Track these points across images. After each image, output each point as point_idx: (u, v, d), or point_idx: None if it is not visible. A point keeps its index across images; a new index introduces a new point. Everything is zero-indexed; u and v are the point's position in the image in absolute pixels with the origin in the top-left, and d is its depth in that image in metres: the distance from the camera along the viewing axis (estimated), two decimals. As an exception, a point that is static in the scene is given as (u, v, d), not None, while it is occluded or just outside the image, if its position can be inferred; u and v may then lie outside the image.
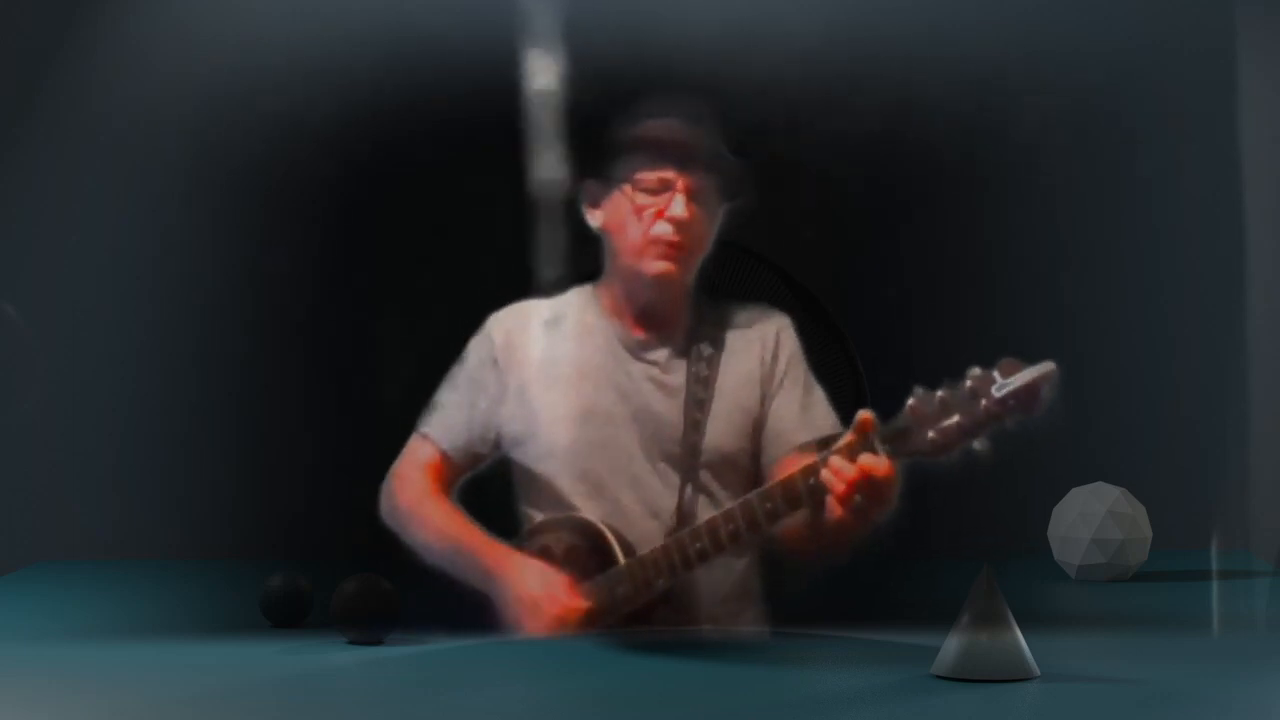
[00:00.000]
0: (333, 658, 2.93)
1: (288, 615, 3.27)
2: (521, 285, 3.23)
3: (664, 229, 3.00)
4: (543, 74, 3.48)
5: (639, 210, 3.01)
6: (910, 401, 2.70)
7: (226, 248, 4.40)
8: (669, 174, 3.00)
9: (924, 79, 4.39)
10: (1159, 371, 4.49)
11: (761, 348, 3.11)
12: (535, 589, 3.00)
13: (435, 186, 4.36)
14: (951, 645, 2.62)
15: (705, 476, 3.04)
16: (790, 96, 4.35)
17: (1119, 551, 3.88)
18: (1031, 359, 2.66)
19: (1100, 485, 3.96)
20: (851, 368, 3.39)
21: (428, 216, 4.40)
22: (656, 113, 3.06)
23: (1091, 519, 3.89)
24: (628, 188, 3.03)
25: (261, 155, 4.33)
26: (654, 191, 3.00)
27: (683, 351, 3.09)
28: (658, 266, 3.02)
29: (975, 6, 4.30)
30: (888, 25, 4.34)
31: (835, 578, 3.07)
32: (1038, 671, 2.62)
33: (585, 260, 3.17)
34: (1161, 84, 4.44)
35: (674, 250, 3.01)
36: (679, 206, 2.99)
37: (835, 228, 4.44)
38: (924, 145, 4.45)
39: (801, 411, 3.07)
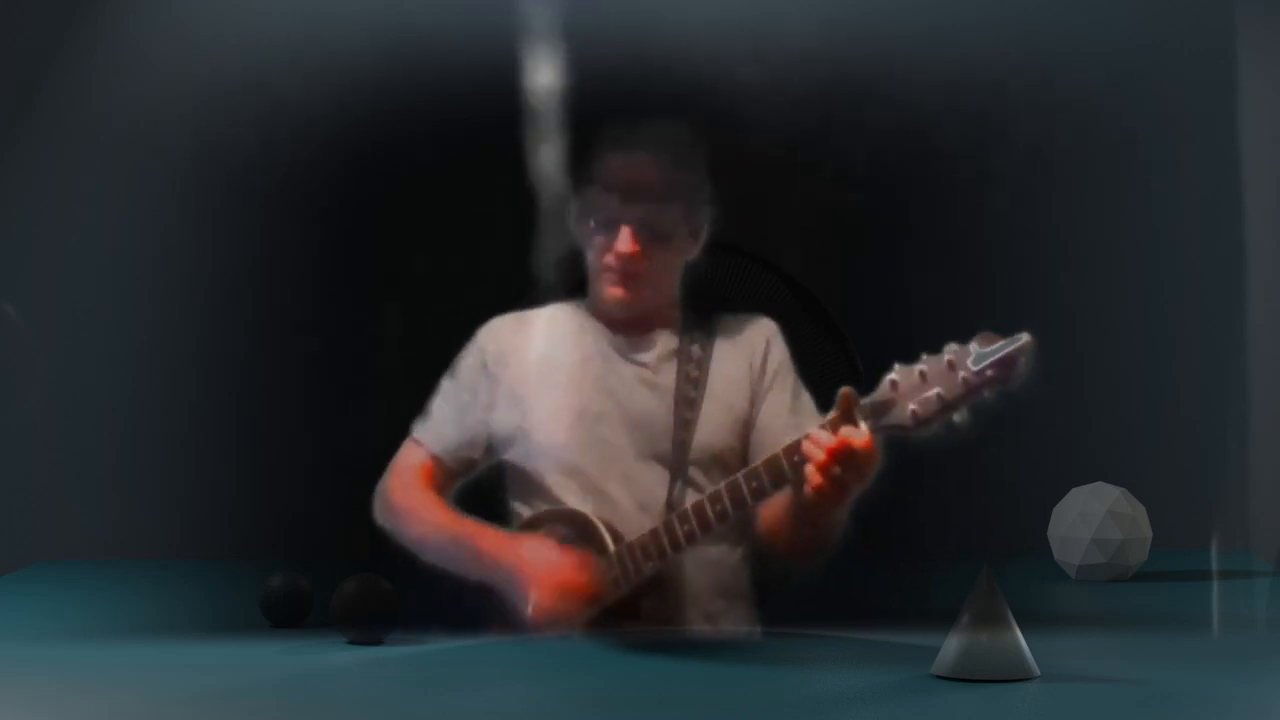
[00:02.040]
0: (333, 658, 2.93)
1: (288, 615, 3.27)
2: (521, 285, 3.24)
3: (611, 261, 3.06)
4: (543, 74, 3.48)
5: (593, 238, 3.08)
6: (890, 376, 2.73)
7: (226, 248, 4.40)
8: (614, 210, 3.05)
9: (924, 79, 4.39)
10: (1159, 371, 4.49)
11: (751, 352, 3.14)
12: (546, 558, 3.00)
13: (435, 186, 4.36)
14: (951, 645, 2.62)
15: (695, 474, 3.06)
16: (790, 96, 4.35)
17: (1119, 551, 3.88)
18: (1032, 351, 2.66)
19: (1100, 485, 3.96)
20: (851, 368, 3.39)
21: (428, 216, 4.40)
22: (619, 144, 3.09)
23: (1091, 519, 3.89)
24: (582, 213, 3.09)
25: (261, 155, 4.34)
26: (606, 224, 3.05)
27: (672, 354, 3.12)
28: (610, 293, 3.09)
29: (975, 7, 4.30)
30: (887, 25, 4.34)
31: (835, 578, 3.07)
32: (1038, 671, 2.62)
33: (583, 263, 3.18)
34: (1161, 84, 4.44)
35: (625, 279, 3.07)
36: (624, 243, 3.04)
37: (835, 228, 4.44)
38: (924, 145, 4.45)
39: (790, 415, 3.09)
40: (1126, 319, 4.49)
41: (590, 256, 3.11)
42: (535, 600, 2.99)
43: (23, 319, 4.31)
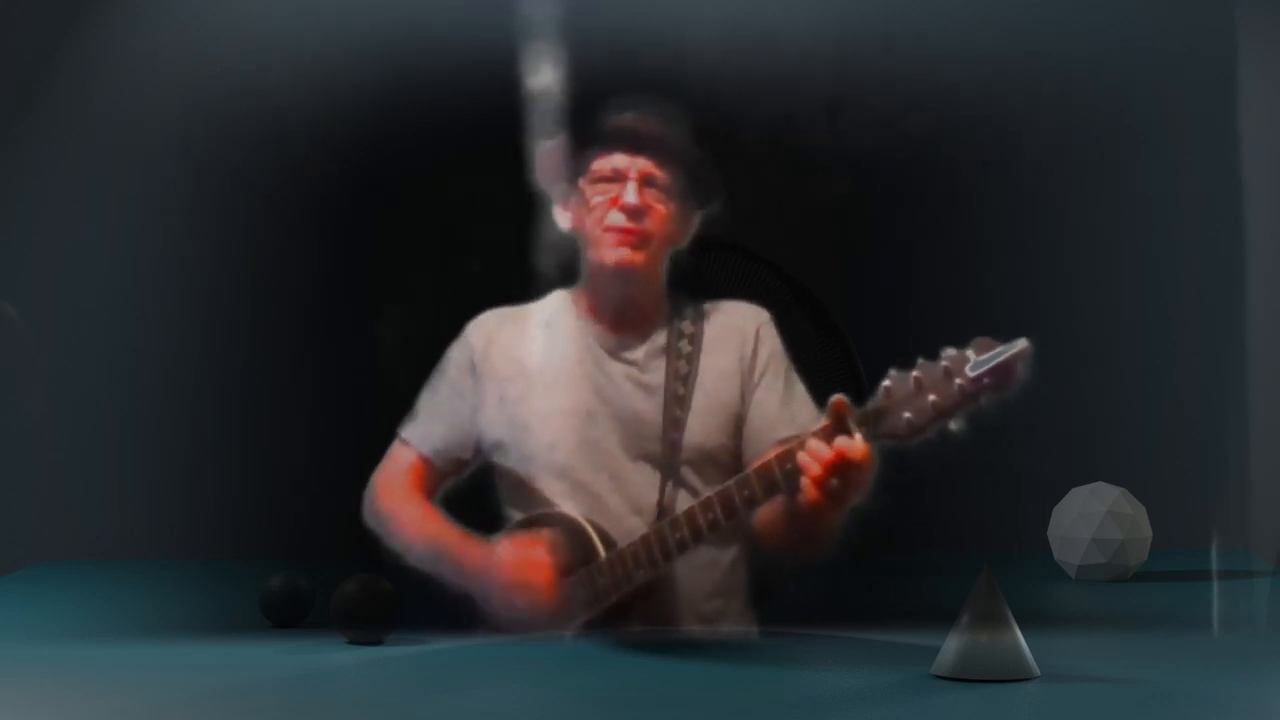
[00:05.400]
0: (333, 658, 2.93)
1: (288, 615, 3.28)
2: (521, 285, 3.23)
3: (617, 218, 3.00)
4: (542, 74, 3.48)
5: (594, 201, 3.02)
6: (885, 383, 2.69)
7: (226, 248, 4.40)
8: (620, 162, 3.00)
9: (925, 79, 4.39)
10: (1159, 372, 4.49)
11: (741, 344, 3.10)
12: (508, 556, 2.99)
13: (435, 187, 4.36)
14: (951, 645, 2.62)
15: (687, 473, 3.04)
16: (791, 96, 4.35)
17: (1119, 551, 3.88)
18: (1031, 357, 2.64)
19: (1100, 485, 3.96)
20: (851, 367, 3.39)
21: (427, 217, 4.40)
22: (617, 107, 3.06)
23: (1091, 519, 3.89)
24: (584, 181, 3.04)
25: (261, 155, 4.34)
26: (608, 180, 3.01)
27: (661, 350, 3.09)
28: (615, 255, 3.02)
29: (976, 7, 4.30)
30: (888, 25, 4.34)
31: (835, 578, 3.07)
32: (1038, 671, 2.62)
33: (578, 261, 3.17)
34: (1162, 84, 4.44)
35: (630, 237, 3.00)
36: (630, 194, 2.98)
37: (835, 228, 4.44)
38: (925, 145, 4.45)
39: (782, 407, 3.06)
40: (1126, 319, 4.49)
41: (588, 225, 3.03)
42: (498, 600, 2.98)
43: (23, 319, 4.31)
